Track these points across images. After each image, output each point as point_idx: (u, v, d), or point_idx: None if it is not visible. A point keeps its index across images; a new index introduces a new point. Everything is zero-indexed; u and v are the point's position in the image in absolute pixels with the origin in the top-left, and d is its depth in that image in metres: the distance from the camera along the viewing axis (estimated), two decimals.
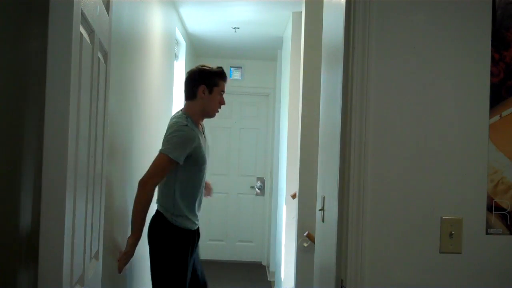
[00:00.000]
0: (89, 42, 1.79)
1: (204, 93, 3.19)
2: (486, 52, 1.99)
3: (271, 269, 7.01)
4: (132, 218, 2.96)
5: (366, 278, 1.94)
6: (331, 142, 2.22)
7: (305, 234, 4.06)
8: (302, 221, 4.10)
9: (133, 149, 3.40)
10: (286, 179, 5.32)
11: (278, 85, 7.42)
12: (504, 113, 1.99)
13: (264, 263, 7.59)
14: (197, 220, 3.19)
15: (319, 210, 2.42)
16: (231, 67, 7.88)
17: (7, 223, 1.41)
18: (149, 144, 4.02)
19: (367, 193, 1.95)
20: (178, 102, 6.16)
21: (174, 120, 3.14)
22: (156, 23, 4.18)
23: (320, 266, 2.45)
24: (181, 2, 5.24)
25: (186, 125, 3.05)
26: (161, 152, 2.98)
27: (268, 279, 6.93)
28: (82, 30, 1.67)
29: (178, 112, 3.27)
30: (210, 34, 6.56)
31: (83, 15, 1.66)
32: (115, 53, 2.52)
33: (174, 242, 3.06)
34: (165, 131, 3.11)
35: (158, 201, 3.13)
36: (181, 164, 2.99)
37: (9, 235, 1.42)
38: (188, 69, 7.50)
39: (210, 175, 8.27)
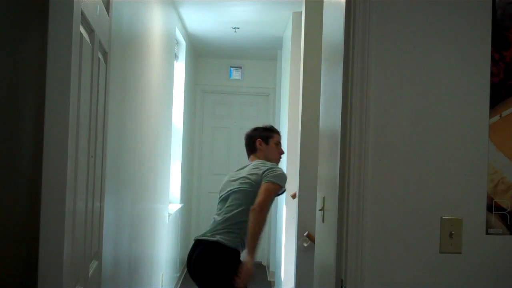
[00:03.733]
0: (89, 42, 1.79)
1: (261, 145, 3.78)
2: (486, 52, 1.98)
3: (271, 269, 7.01)
4: (252, 241, 3.33)
5: (366, 278, 1.94)
6: (331, 142, 2.22)
7: (305, 234, 4.06)
8: (302, 221, 4.10)
9: (133, 149, 3.40)
10: None
11: (278, 85, 7.42)
12: (504, 113, 1.99)
13: (264, 263, 7.59)
14: None
15: (319, 210, 2.42)
16: (231, 67, 7.87)
17: (7, 223, 1.41)
18: (149, 143, 4.02)
19: (367, 193, 1.95)
20: (178, 102, 6.16)
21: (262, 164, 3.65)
22: (156, 23, 4.18)
23: (320, 266, 2.45)
24: (181, 2, 5.24)
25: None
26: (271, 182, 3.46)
27: (268, 279, 6.93)
28: (82, 30, 1.67)
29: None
30: (210, 34, 6.56)
31: (83, 15, 1.66)
32: (115, 53, 2.52)
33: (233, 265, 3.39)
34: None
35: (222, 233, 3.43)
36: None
37: (9, 234, 1.42)
38: (188, 69, 7.45)
39: (211, 175, 8.29)
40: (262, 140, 3.79)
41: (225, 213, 3.45)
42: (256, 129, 3.90)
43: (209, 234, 3.40)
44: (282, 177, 3.53)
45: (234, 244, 3.36)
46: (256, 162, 3.66)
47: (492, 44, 1.98)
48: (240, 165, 3.78)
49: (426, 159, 1.96)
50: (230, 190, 3.52)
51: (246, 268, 3.28)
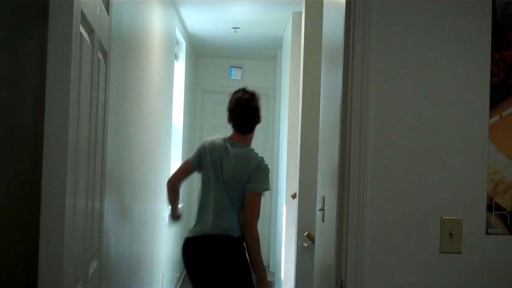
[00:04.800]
0: (89, 42, 1.79)
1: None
2: (486, 52, 1.98)
3: (271, 269, 7.02)
4: (255, 258, 3.23)
5: (366, 278, 1.94)
6: (331, 142, 2.22)
7: (305, 234, 4.06)
8: (302, 221, 4.10)
9: (133, 149, 3.40)
10: (286, 179, 5.32)
11: (278, 85, 7.42)
12: (504, 113, 1.99)
13: (264, 263, 7.60)
14: None
15: (319, 210, 2.42)
16: (231, 67, 7.88)
17: (7, 223, 1.41)
18: (149, 143, 4.02)
19: (367, 193, 1.95)
20: (178, 102, 6.16)
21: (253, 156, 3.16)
22: (156, 23, 4.18)
23: (320, 266, 2.45)
24: (181, 2, 5.24)
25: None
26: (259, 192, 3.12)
27: (268, 279, 6.93)
28: (82, 30, 1.67)
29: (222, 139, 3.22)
30: (210, 34, 6.56)
31: (83, 15, 1.66)
32: (115, 53, 2.52)
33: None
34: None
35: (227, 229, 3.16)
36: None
37: (9, 235, 1.42)
38: (188, 69, 7.32)
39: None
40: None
41: (223, 203, 3.13)
42: (257, 107, 3.20)
43: (221, 228, 3.14)
44: (268, 176, 3.14)
45: (240, 233, 3.18)
46: (246, 152, 3.14)
47: (492, 44, 1.98)
48: None
49: (426, 159, 1.96)
50: (222, 179, 3.11)
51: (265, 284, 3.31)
